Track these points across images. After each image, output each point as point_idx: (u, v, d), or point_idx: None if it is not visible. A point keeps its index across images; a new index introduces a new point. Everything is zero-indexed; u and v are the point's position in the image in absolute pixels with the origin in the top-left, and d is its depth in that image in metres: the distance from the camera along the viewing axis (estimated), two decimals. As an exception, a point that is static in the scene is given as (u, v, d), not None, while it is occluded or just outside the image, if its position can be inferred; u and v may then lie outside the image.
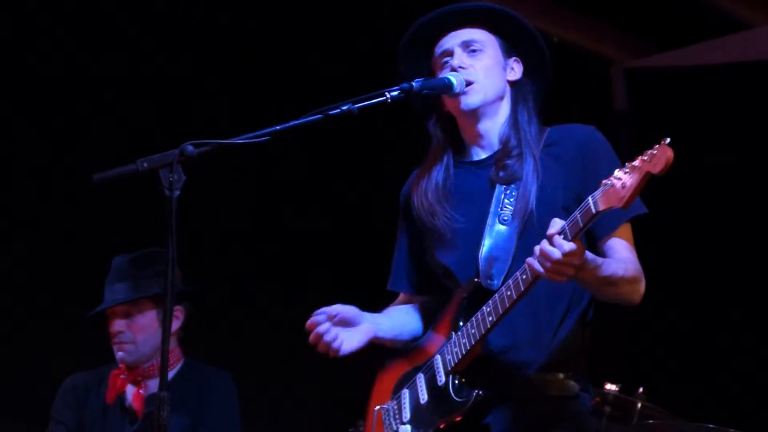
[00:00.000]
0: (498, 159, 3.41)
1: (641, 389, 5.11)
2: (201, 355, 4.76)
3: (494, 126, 3.45)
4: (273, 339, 6.04)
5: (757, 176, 6.57)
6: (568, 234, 2.98)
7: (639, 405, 5.07)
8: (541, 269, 3.00)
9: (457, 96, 3.39)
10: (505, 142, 3.42)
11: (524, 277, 3.10)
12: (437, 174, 3.48)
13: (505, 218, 3.34)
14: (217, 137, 3.02)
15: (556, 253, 2.96)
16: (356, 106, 3.17)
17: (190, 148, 2.92)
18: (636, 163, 2.89)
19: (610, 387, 5.08)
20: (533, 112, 3.45)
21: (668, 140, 2.84)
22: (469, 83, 3.39)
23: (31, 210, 5.62)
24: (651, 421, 5.05)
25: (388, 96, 3.23)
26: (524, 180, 3.32)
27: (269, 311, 6.11)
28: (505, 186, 3.38)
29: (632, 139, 6.87)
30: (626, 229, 3.34)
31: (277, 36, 6.13)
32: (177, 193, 2.86)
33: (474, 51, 3.43)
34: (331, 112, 3.14)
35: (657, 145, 2.86)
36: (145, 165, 2.89)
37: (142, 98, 5.80)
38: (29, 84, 5.59)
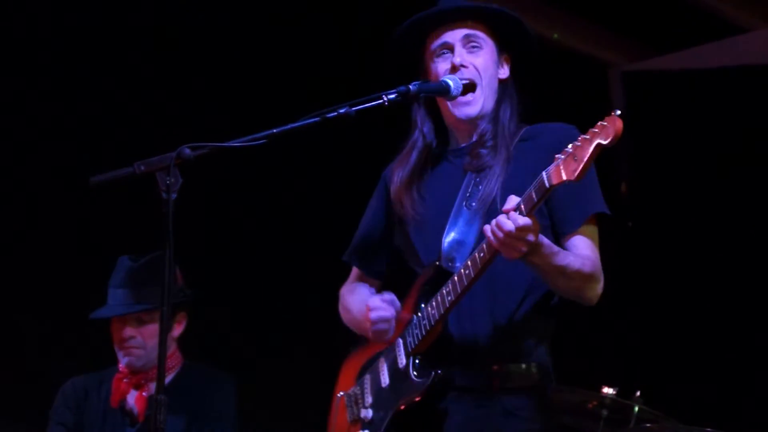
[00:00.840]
0: (472, 148, 3.47)
1: (638, 393, 5.11)
2: (203, 357, 4.76)
3: (478, 120, 3.49)
4: (275, 340, 6.06)
5: (753, 178, 6.57)
6: (523, 209, 3.03)
7: (636, 408, 5.07)
8: (494, 240, 3.05)
9: (456, 103, 3.43)
10: (482, 134, 3.47)
11: (481, 255, 3.15)
12: (416, 159, 3.54)
13: (472, 204, 3.39)
14: (217, 140, 3.03)
15: (509, 225, 3.01)
16: (354, 109, 3.18)
17: (188, 150, 2.93)
18: (587, 135, 2.93)
19: (608, 390, 5.08)
20: (515, 110, 3.50)
21: (618, 112, 2.88)
22: (468, 88, 3.41)
23: (31, 210, 5.62)
24: (648, 425, 5.04)
25: (386, 99, 3.24)
26: (493, 169, 3.37)
27: (271, 311, 6.11)
28: (475, 174, 3.43)
29: (630, 143, 6.88)
30: (590, 228, 3.37)
31: (276, 37, 6.13)
32: (174, 195, 2.86)
33: (474, 47, 3.46)
34: (328, 116, 3.15)
35: (607, 117, 2.90)
36: (142, 168, 2.90)
37: (142, 101, 5.80)
38: (27, 85, 5.59)
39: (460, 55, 3.44)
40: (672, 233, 6.62)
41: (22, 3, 5.55)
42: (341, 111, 3.16)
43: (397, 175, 3.56)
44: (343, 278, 3.89)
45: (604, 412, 5.11)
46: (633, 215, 6.44)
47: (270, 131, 3.09)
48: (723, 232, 6.61)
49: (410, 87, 3.29)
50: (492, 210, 3.30)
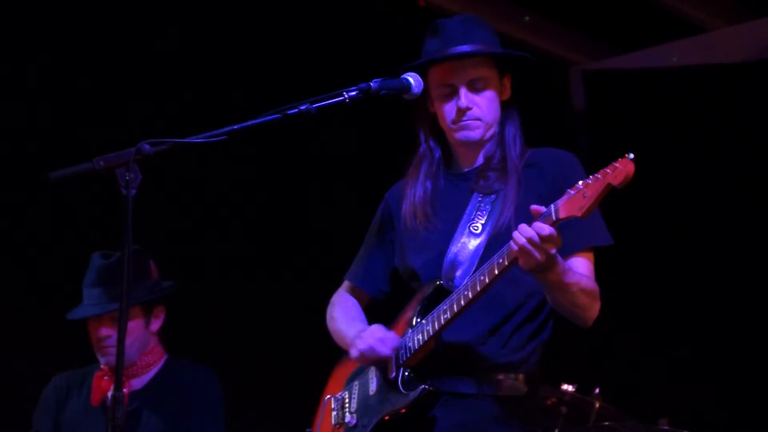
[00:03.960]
0: (481, 170, 3.51)
1: (598, 390, 5.14)
2: (186, 351, 4.74)
3: (483, 143, 3.53)
4: (258, 334, 6.06)
5: (714, 176, 6.62)
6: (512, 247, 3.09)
7: (596, 405, 5.10)
8: (516, 246, 3.07)
9: (459, 127, 3.48)
10: (489, 158, 3.51)
11: (482, 278, 3.19)
12: (427, 182, 3.57)
13: (476, 227, 3.42)
14: (181, 136, 3.02)
15: (530, 232, 3.04)
16: (314, 106, 3.17)
17: (147, 146, 2.92)
18: (598, 175, 3.00)
19: (567, 387, 5.11)
20: (519, 128, 3.55)
21: (632, 156, 2.95)
22: (474, 118, 3.46)
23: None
24: (607, 423, 5.07)
25: (346, 96, 3.23)
26: (505, 194, 3.41)
27: (254, 306, 6.10)
28: (481, 197, 3.46)
29: (590, 141, 6.92)
30: (588, 255, 3.41)
31: (245, 32, 6.12)
32: (134, 191, 2.85)
33: (479, 87, 3.49)
34: (289, 112, 3.14)
35: (620, 158, 2.97)
36: (102, 163, 2.88)
37: (103, 96, 5.77)
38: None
39: (466, 98, 3.46)
40: (633, 232, 6.66)
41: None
42: (302, 108, 3.14)
43: (410, 198, 3.57)
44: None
45: (564, 409, 5.14)
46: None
47: (230, 127, 3.08)
48: (685, 230, 6.66)
49: (371, 84, 3.28)
50: (500, 236, 3.33)
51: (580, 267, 3.35)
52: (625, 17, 6.75)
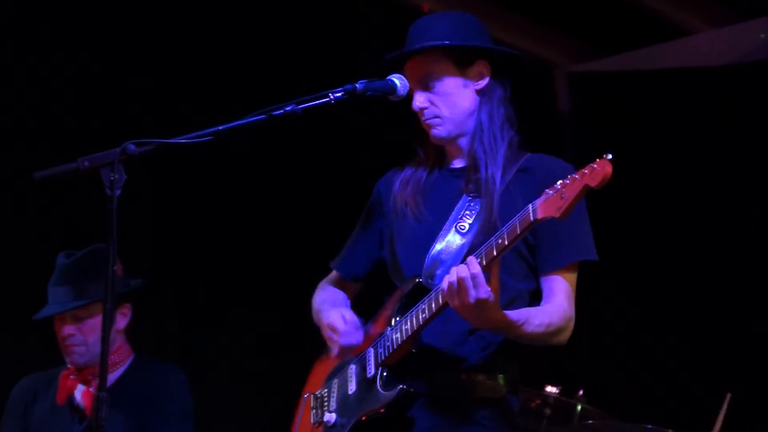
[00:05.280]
0: (468, 172, 3.45)
1: (581, 391, 5.16)
2: (154, 350, 4.74)
3: (459, 138, 3.48)
4: (230, 333, 6.05)
5: (699, 179, 6.64)
6: (493, 250, 3.08)
7: (579, 407, 5.11)
8: (446, 289, 3.09)
9: (427, 126, 3.43)
10: (473, 157, 3.43)
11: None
12: (420, 174, 3.53)
13: (463, 227, 3.38)
14: (166, 136, 3.02)
15: (462, 271, 3.05)
16: (300, 107, 3.17)
17: (132, 147, 2.92)
18: (576, 175, 2.96)
19: (551, 389, 5.12)
20: (504, 120, 3.45)
21: (610, 156, 2.92)
22: (432, 117, 3.42)
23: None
24: (590, 422, 5.09)
25: (332, 97, 3.24)
26: (489, 198, 3.34)
27: (225, 304, 6.09)
28: (470, 198, 3.41)
29: (575, 143, 6.93)
30: (570, 273, 3.37)
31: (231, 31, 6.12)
32: (118, 192, 2.84)
33: (431, 83, 3.42)
34: (274, 113, 3.14)
35: (598, 159, 2.94)
36: (86, 164, 2.88)
37: (87, 96, 5.76)
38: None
39: (417, 99, 3.42)
40: (617, 234, 6.67)
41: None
42: (287, 108, 3.15)
43: (401, 188, 3.53)
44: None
45: (547, 411, 5.15)
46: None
47: (215, 128, 3.08)
48: (668, 233, 6.68)
49: (356, 85, 3.29)
50: (485, 239, 3.25)
51: (555, 290, 3.32)
52: (611, 20, 6.76)
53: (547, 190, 3.00)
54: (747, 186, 6.50)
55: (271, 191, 6.24)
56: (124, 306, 4.58)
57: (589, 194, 2.96)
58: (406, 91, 3.40)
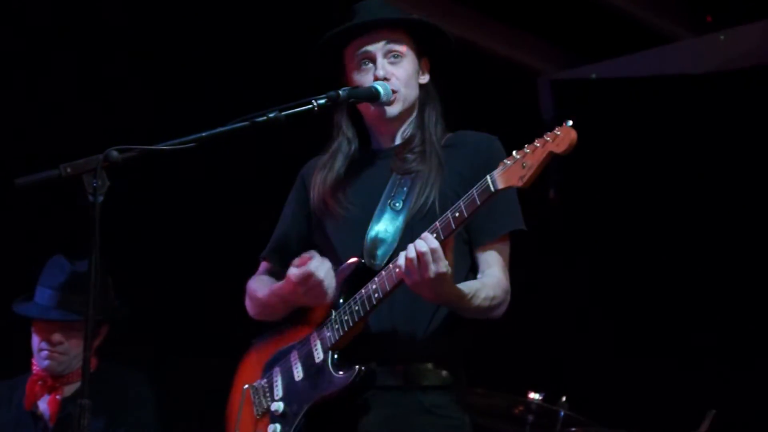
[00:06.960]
0: (399, 151, 3.50)
1: (564, 398, 5.15)
2: (119, 355, 4.72)
3: (401, 124, 3.53)
4: (189, 338, 6.02)
5: (680, 185, 6.66)
6: (450, 223, 3.09)
7: (562, 413, 5.11)
8: (401, 262, 3.10)
9: (381, 105, 3.44)
10: (408, 138, 3.51)
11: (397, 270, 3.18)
12: (339, 163, 3.55)
13: (396, 204, 3.40)
14: (150, 143, 3.01)
15: (421, 246, 3.07)
16: (283, 114, 3.19)
17: (115, 153, 2.90)
18: (536, 143, 2.96)
19: (534, 396, 5.11)
20: (440, 114, 3.54)
21: (570, 122, 2.93)
22: (393, 91, 3.45)
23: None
24: (573, 429, 5.09)
25: (315, 104, 3.27)
26: (426, 175, 3.39)
27: (190, 307, 6.07)
28: (400, 176, 3.45)
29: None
30: (504, 245, 3.43)
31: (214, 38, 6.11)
32: (101, 198, 2.83)
33: (395, 57, 3.48)
34: (257, 120, 3.15)
35: (559, 126, 2.94)
36: (69, 170, 2.86)
37: (73, 101, 5.74)
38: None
39: (383, 68, 3.46)
40: (599, 239, 6.69)
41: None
42: (270, 115, 3.17)
43: (320, 176, 3.55)
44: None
45: (530, 418, 5.14)
46: (556, 189, 6.50)
47: (198, 135, 3.08)
48: (654, 238, 6.69)
49: (340, 92, 3.32)
50: (421, 215, 3.34)
51: (491, 264, 3.38)
52: (594, 27, 6.79)
53: (504, 161, 3.02)
54: (730, 192, 6.53)
55: (238, 198, 6.23)
56: (103, 327, 4.60)
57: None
58: (389, 98, 3.43)
